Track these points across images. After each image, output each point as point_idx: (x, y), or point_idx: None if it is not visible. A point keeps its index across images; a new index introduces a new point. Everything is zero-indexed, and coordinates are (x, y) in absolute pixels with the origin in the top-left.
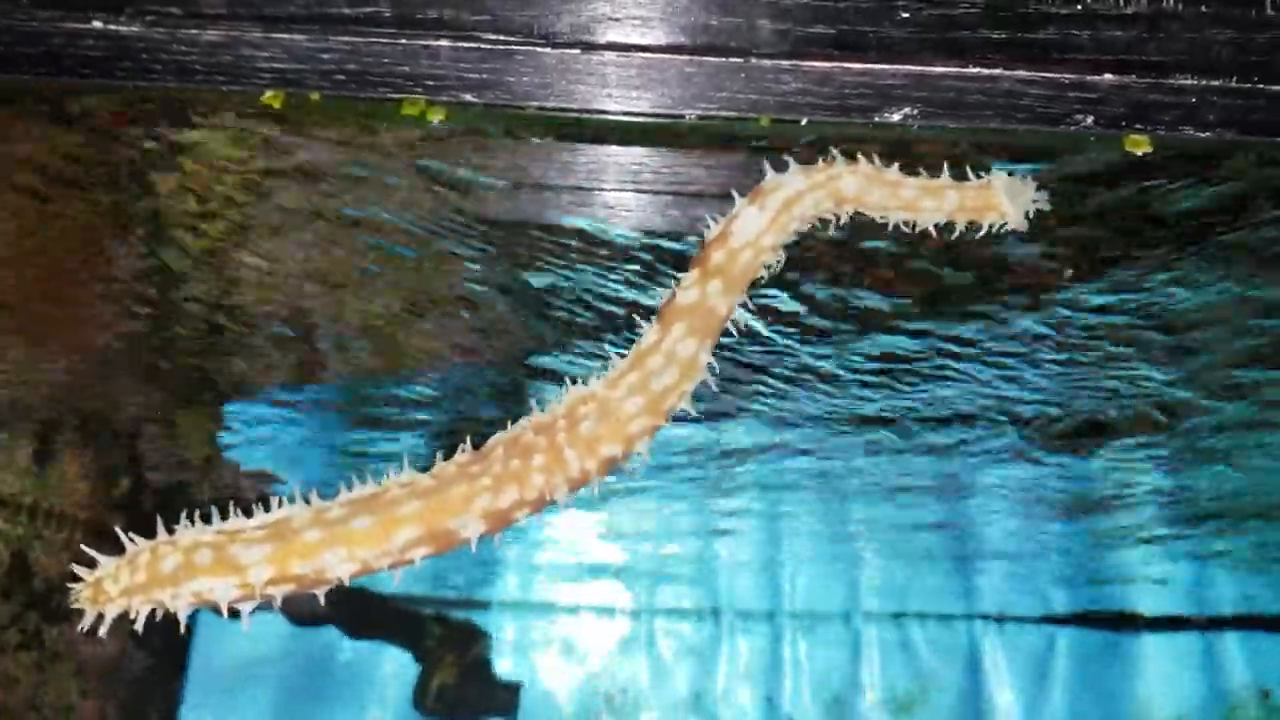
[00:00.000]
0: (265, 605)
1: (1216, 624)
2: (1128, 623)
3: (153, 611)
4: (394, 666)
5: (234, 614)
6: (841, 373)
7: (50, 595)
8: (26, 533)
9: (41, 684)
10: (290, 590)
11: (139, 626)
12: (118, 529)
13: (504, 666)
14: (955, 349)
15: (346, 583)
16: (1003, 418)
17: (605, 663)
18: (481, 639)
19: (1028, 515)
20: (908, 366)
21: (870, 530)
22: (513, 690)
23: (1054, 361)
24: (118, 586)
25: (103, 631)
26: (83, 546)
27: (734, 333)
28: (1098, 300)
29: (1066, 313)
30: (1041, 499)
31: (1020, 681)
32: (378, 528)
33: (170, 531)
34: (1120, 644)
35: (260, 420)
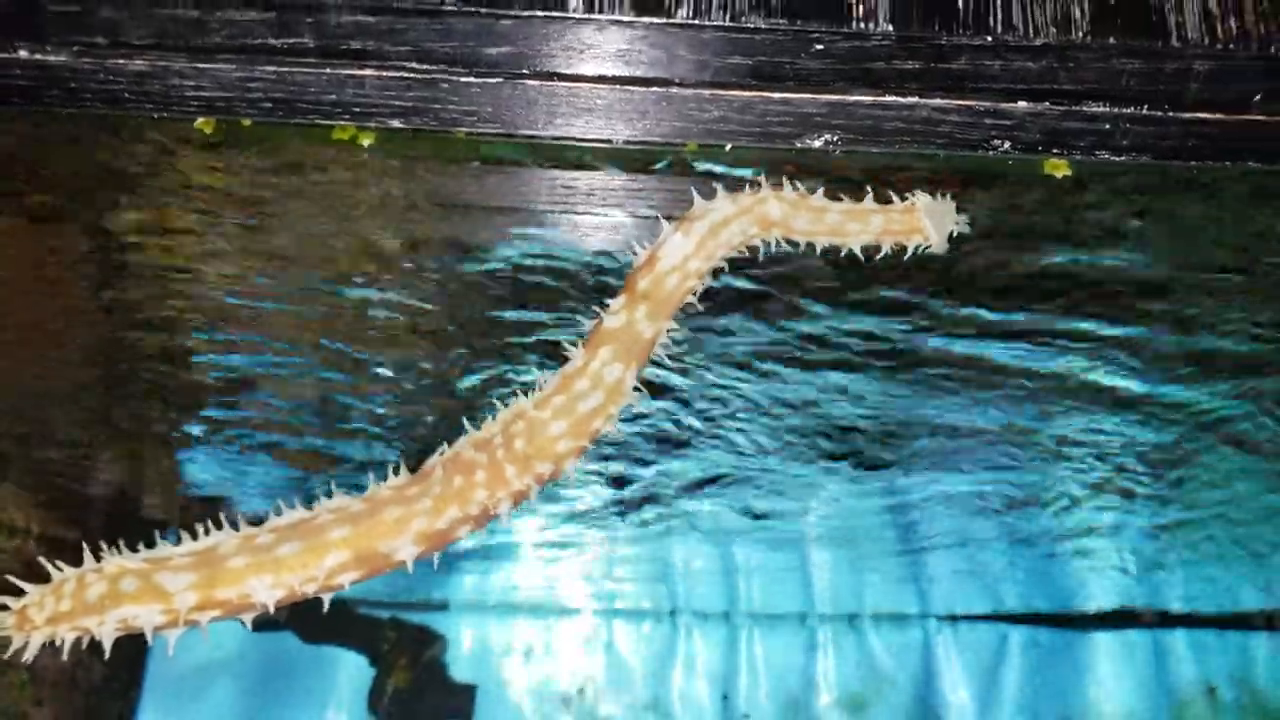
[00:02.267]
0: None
1: (1165, 622)
2: (1078, 621)
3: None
4: (350, 670)
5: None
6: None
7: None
8: None
9: None
10: (216, 616)
11: (65, 655)
12: (42, 559)
13: (460, 669)
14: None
15: (272, 609)
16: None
17: (562, 663)
18: (436, 642)
19: (979, 516)
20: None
21: (826, 533)
22: (468, 693)
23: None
24: (43, 614)
25: (27, 658)
26: (10, 578)
27: (661, 358)
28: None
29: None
30: (993, 500)
31: (973, 679)
32: (305, 553)
33: (98, 559)
34: (1071, 641)
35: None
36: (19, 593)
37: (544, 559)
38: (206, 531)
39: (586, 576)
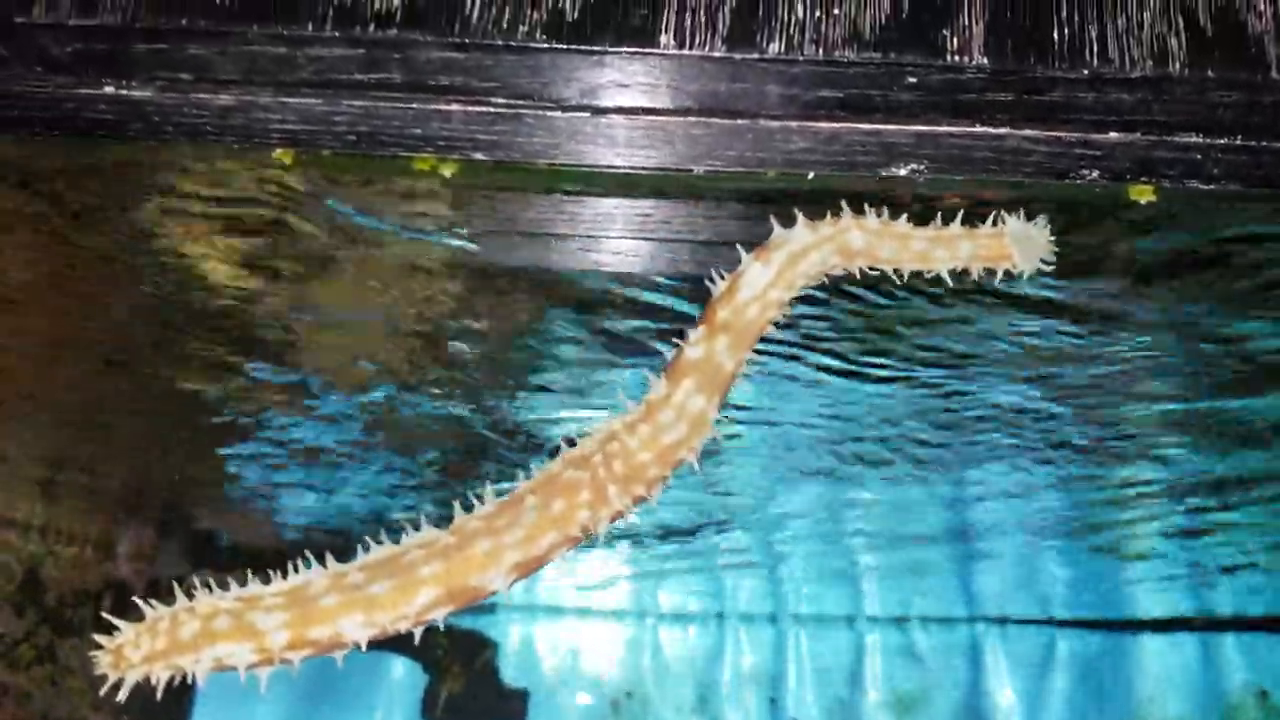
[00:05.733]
0: None
1: (1215, 625)
2: (1127, 624)
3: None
4: (403, 676)
5: None
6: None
7: (62, 610)
8: (38, 549)
9: (55, 698)
10: (308, 655)
11: (158, 694)
12: (137, 598)
13: (510, 673)
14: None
15: (364, 647)
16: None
17: (611, 666)
18: (488, 647)
19: (1029, 517)
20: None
21: (872, 534)
22: (521, 697)
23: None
24: (139, 653)
25: (122, 696)
26: (105, 615)
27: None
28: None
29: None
30: (1043, 503)
31: (1021, 682)
32: (396, 591)
33: (190, 598)
34: (1120, 645)
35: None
36: (113, 630)
37: (590, 561)
38: (295, 569)
39: (634, 578)
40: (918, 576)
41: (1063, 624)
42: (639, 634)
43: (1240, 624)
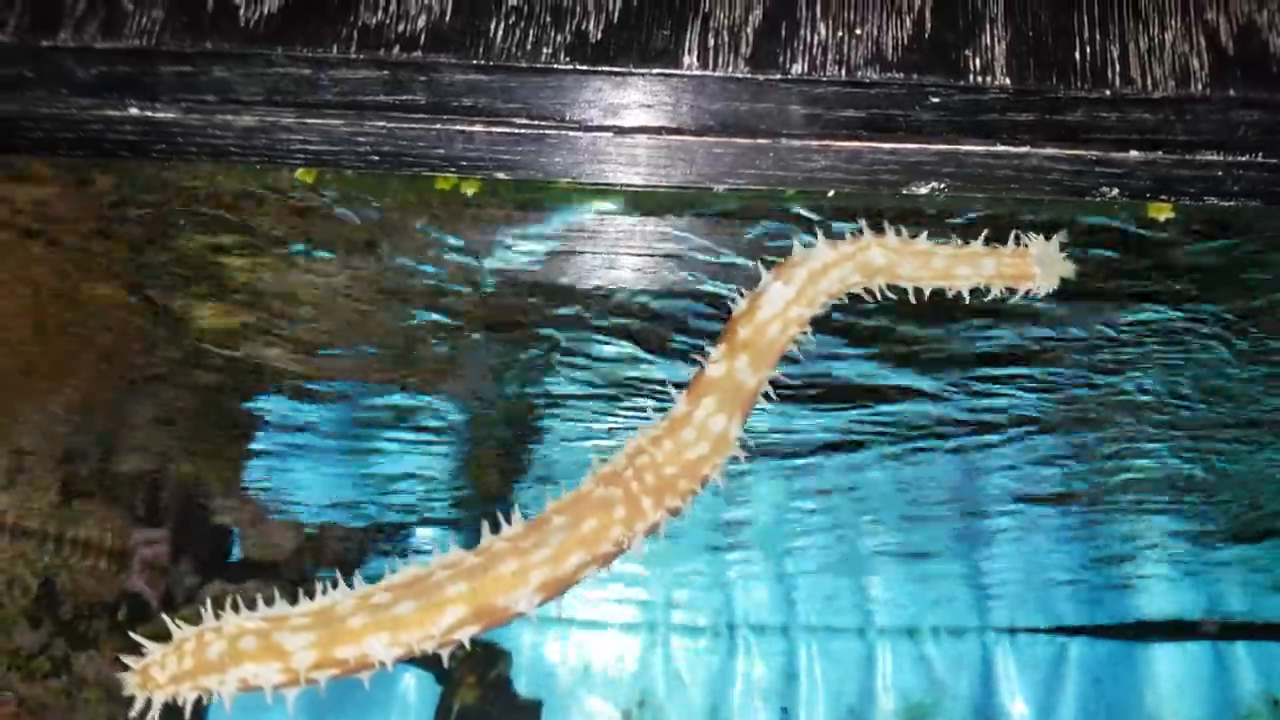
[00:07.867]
0: None
1: (1226, 632)
2: (1138, 632)
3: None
4: (416, 687)
5: None
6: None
7: (77, 622)
8: (53, 561)
9: (71, 710)
10: (335, 675)
11: (187, 714)
12: (165, 616)
13: (523, 685)
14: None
15: (390, 667)
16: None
17: (623, 678)
18: (502, 658)
19: (1039, 527)
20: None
21: (883, 545)
22: (534, 709)
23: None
24: (165, 674)
25: (152, 717)
26: (132, 634)
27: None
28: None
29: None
30: (1052, 511)
31: (1032, 691)
32: (422, 611)
33: (216, 617)
34: (1131, 653)
35: (279, 443)
36: (140, 651)
37: (602, 573)
38: (324, 591)
39: (645, 590)
40: (929, 589)
41: (1073, 632)
42: (651, 645)
43: (1252, 631)
